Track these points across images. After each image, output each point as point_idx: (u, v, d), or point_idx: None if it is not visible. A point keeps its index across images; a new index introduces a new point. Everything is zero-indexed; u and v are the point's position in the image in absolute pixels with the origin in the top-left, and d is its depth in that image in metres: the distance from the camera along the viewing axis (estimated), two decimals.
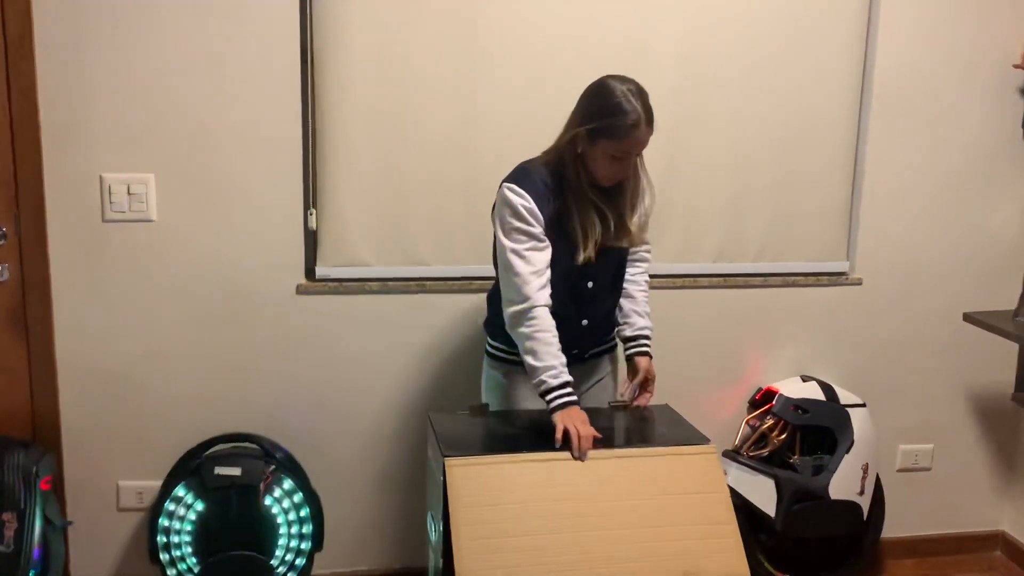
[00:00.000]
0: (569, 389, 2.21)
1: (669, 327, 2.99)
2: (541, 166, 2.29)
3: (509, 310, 2.25)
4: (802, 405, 2.97)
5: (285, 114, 2.70)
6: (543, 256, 2.24)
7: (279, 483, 2.73)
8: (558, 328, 2.24)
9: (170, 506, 2.69)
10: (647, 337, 2.51)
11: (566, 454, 2.19)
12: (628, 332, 2.51)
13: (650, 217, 2.44)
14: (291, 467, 2.80)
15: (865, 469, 2.99)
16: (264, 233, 2.75)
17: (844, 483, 2.96)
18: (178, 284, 2.73)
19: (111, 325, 2.72)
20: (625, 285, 2.50)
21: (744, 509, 2.96)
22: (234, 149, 2.68)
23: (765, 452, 2.98)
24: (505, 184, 2.26)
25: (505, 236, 2.24)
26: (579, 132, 2.22)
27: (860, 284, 3.11)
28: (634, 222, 2.35)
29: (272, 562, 2.71)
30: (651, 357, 2.50)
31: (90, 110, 2.59)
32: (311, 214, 2.77)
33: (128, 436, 2.80)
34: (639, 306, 2.52)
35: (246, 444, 2.82)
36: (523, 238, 2.22)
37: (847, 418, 2.99)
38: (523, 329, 2.23)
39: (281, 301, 2.79)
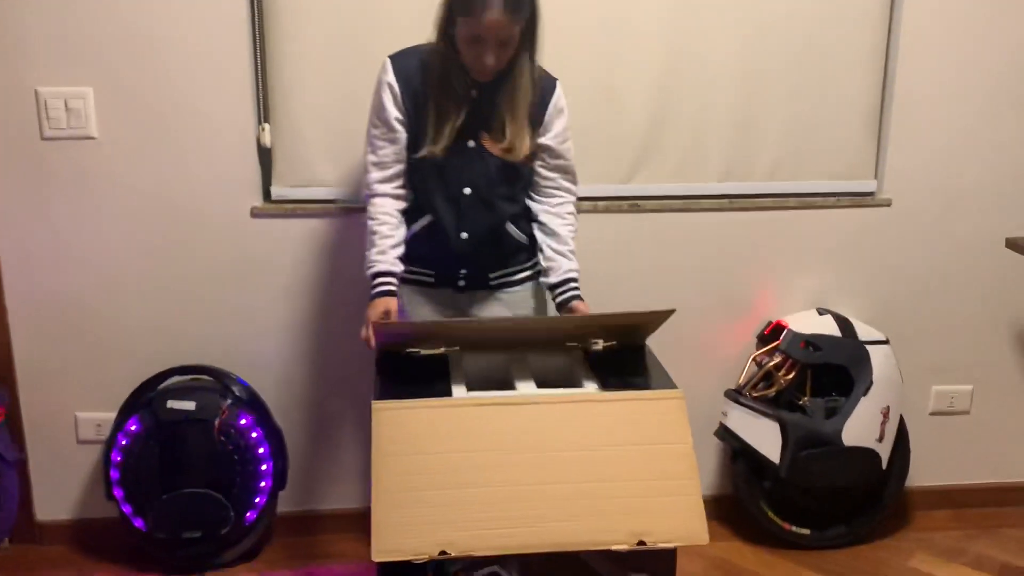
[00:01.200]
0: (380, 280, 2.15)
1: (667, 253, 2.72)
2: (428, 47, 2.12)
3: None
4: (813, 341, 2.65)
5: (231, 20, 2.46)
6: (391, 149, 2.15)
7: (236, 418, 2.58)
8: (438, 237, 2.20)
9: (123, 440, 2.57)
10: (575, 280, 2.23)
11: (512, 396, 1.97)
12: (554, 278, 2.22)
13: (566, 141, 2.21)
14: (250, 402, 2.64)
15: (886, 413, 2.67)
16: (214, 151, 2.54)
17: (860, 428, 2.65)
18: (126, 207, 2.56)
19: (59, 251, 2.57)
20: (543, 218, 2.24)
21: (745, 454, 2.69)
22: (177, 59, 2.47)
23: (771, 392, 2.68)
24: (387, 59, 2.17)
25: (368, 119, 2.18)
26: (443, 8, 2.07)
27: (889, 206, 2.74)
28: (515, 130, 2.11)
29: (229, 500, 2.57)
30: (580, 298, 2.21)
31: (22, 19, 2.40)
32: (263, 129, 2.54)
33: (84, 367, 2.67)
34: (563, 244, 2.22)
35: (203, 377, 2.66)
36: (378, 123, 2.16)
37: (865, 356, 2.66)
38: (366, 219, 2.20)
39: (235, 224, 2.59)
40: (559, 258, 2.22)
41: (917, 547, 2.78)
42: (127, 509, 2.59)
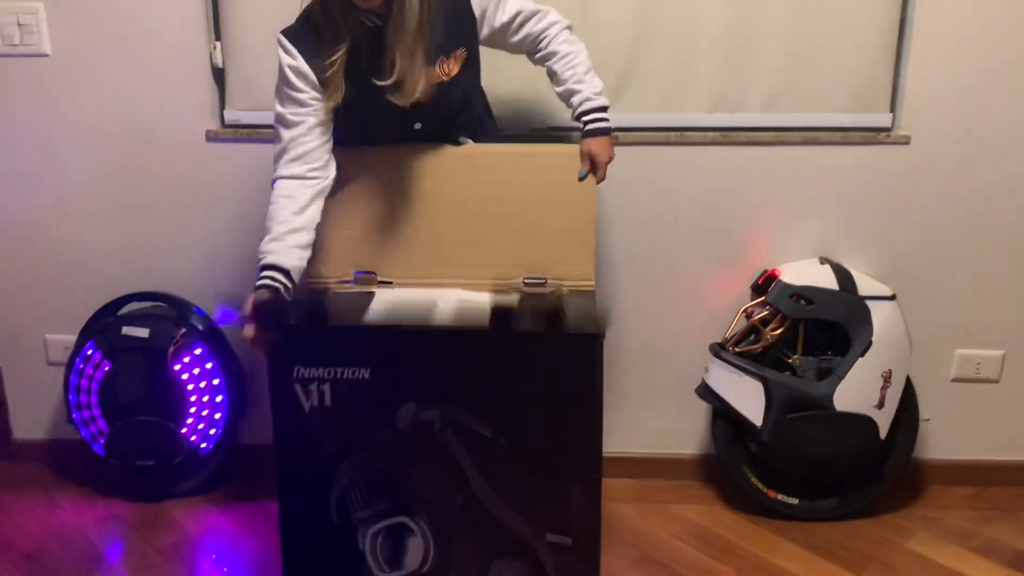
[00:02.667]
0: (265, 274, 1.89)
1: (650, 192, 2.48)
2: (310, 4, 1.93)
3: None
4: (805, 294, 2.37)
5: None
6: (303, 127, 1.93)
7: (190, 348, 2.51)
8: None
9: (80, 365, 2.55)
10: (586, 112, 2.07)
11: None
12: (573, 117, 2.10)
13: (511, 10, 2.03)
14: (207, 332, 2.57)
15: (887, 377, 2.38)
16: (167, 70, 2.44)
17: (855, 392, 2.37)
18: (82, 127, 2.50)
19: (17, 171, 2.55)
20: (546, 71, 2.11)
21: (727, 415, 2.46)
22: None
23: (757, 349, 2.43)
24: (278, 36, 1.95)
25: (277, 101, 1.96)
26: None
27: (907, 144, 2.41)
28: (405, 65, 1.89)
29: (182, 430, 2.53)
30: (606, 133, 2.08)
31: None
32: (215, 48, 2.42)
33: (51, 289, 2.65)
34: (567, 80, 2.07)
35: (162, 305, 2.61)
36: (288, 103, 1.94)
37: (865, 313, 2.37)
38: None
39: (190, 149, 2.49)
40: (568, 95, 2.08)
41: (921, 526, 2.49)
42: (85, 434, 2.59)
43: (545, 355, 1.81)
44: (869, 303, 2.37)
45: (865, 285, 2.39)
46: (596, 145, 2.08)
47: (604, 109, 2.08)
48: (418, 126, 2.03)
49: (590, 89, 2.05)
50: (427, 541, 1.91)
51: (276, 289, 1.88)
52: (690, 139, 2.44)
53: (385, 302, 2.03)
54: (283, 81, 1.93)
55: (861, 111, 2.41)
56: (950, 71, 2.36)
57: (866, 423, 2.39)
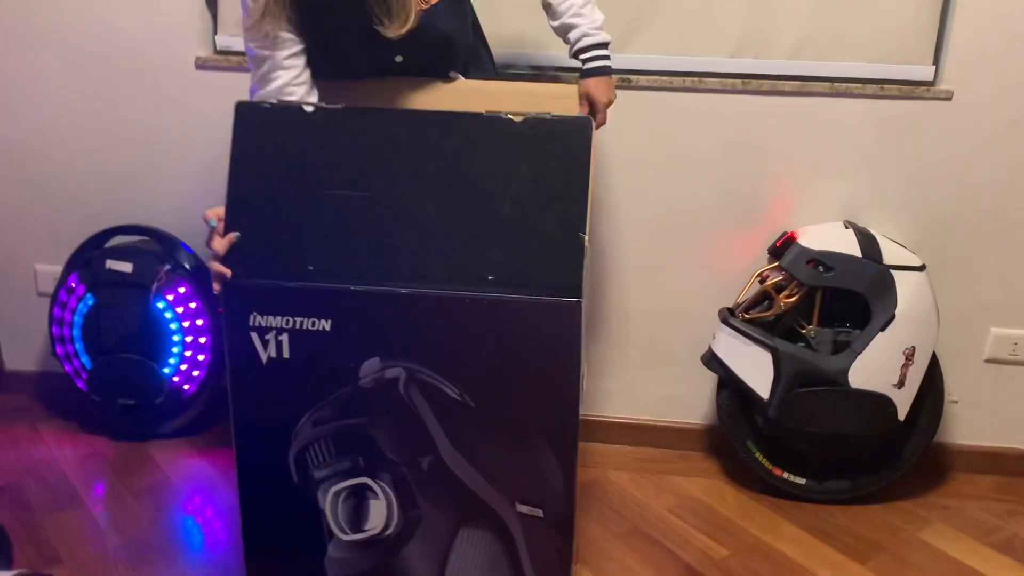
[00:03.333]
0: None
1: (663, 141, 2.30)
2: None
3: None
4: (823, 260, 2.18)
5: None
6: (276, 73, 1.78)
7: (174, 285, 2.42)
8: None
9: (64, 297, 2.47)
10: (585, 49, 1.92)
11: None
12: (570, 55, 1.96)
13: None
14: (193, 270, 2.47)
15: (909, 355, 2.19)
16: None
17: (873, 369, 2.19)
18: (70, 50, 2.40)
19: (4, 93, 2.45)
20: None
21: (732, 385, 2.30)
22: None
23: (768, 316, 2.25)
24: None
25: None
26: None
27: (949, 100, 2.19)
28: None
29: (164, 370, 2.45)
30: (606, 72, 1.93)
31: None
32: None
33: (41, 218, 2.58)
34: (563, 13, 1.92)
35: (147, 239, 2.51)
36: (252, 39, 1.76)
37: (889, 283, 2.17)
38: None
39: (180, 76, 2.37)
40: (567, 32, 1.93)
41: (938, 516, 2.31)
42: (68, 368, 2.52)
43: (520, 316, 1.67)
44: (894, 273, 2.18)
45: (891, 253, 2.19)
46: (595, 86, 1.91)
47: (605, 46, 1.90)
48: (399, 59, 1.86)
49: (589, 23, 1.87)
50: (390, 504, 1.80)
51: None
52: (708, 85, 2.24)
53: None
54: (248, 17, 1.75)
55: (900, 62, 2.19)
56: (1002, 22, 2.12)
57: (883, 402, 2.20)
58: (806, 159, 2.28)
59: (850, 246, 2.19)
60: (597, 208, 2.35)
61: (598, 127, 1.94)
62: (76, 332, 2.46)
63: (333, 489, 1.81)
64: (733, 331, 2.25)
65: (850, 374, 2.19)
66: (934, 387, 2.28)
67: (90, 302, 2.43)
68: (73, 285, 2.45)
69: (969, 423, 2.43)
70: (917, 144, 2.23)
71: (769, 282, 2.24)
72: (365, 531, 1.82)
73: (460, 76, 1.96)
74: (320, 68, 1.85)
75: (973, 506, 2.36)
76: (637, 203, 2.35)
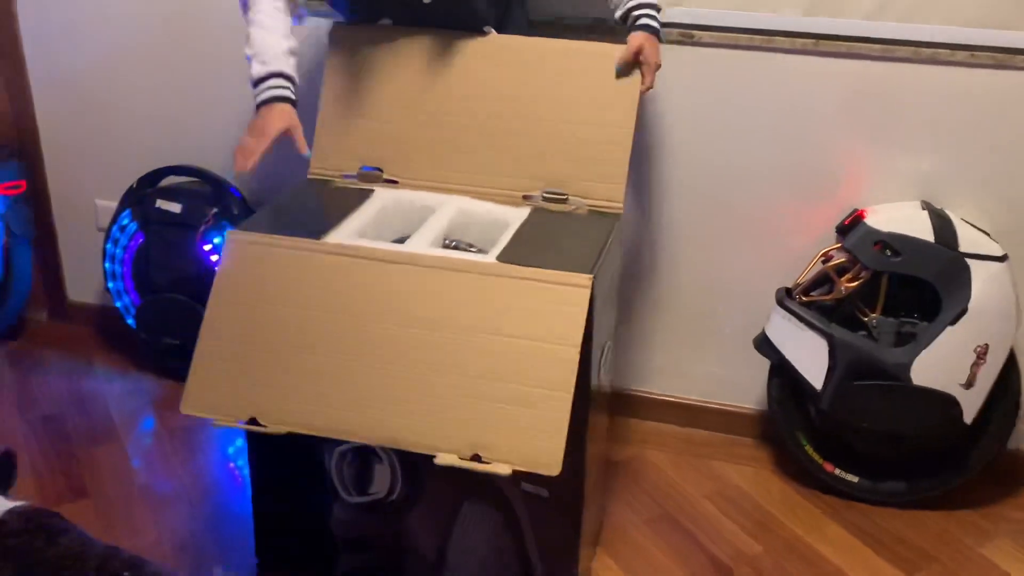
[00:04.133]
0: (273, 82, 1.73)
1: (727, 105, 2.16)
2: None
3: None
4: (891, 243, 1.99)
5: None
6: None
7: (220, 229, 2.41)
8: None
9: (116, 234, 2.50)
10: (638, 7, 1.82)
11: (390, 253, 1.65)
12: (618, 14, 1.86)
13: None
14: (241, 215, 2.45)
15: (981, 352, 1.99)
16: None
17: (939, 366, 2.00)
18: None
19: (73, 27, 2.47)
20: None
21: (784, 372, 2.14)
22: None
23: (827, 300, 2.08)
24: None
25: None
26: None
27: None
28: None
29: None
30: (656, 32, 1.81)
31: None
32: None
33: (101, 154, 2.61)
34: None
35: (198, 180, 2.50)
36: None
37: (963, 272, 1.97)
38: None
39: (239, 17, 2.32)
40: None
41: (1004, 530, 2.11)
42: (119, 304, 2.55)
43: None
44: (970, 262, 1.97)
45: (969, 239, 1.98)
46: (648, 39, 1.77)
47: (656, 7, 1.76)
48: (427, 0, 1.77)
49: None
50: (394, 469, 1.75)
51: (290, 100, 1.74)
52: (778, 45, 2.06)
53: (380, 204, 1.83)
54: None
55: (994, 26, 1.95)
56: None
57: (947, 403, 2.01)
58: (883, 131, 2.08)
59: (923, 229, 1.99)
60: (648, 172, 2.22)
61: (646, 91, 1.81)
62: (127, 269, 2.49)
63: (339, 449, 1.76)
64: (788, 314, 2.09)
65: (912, 369, 2.00)
66: (1010, 389, 2.07)
67: (141, 240, 2.45)
68: (125, 222, 2.47)
69: None
70: (1009, 119, 2.00)
71: (831, 263, 2.06)
72: (370, 495, 1.78)
73: (493, 31, 1.85)
74: (346, 5, 1.79)
75: None
76: (692, 170, 2.19)
